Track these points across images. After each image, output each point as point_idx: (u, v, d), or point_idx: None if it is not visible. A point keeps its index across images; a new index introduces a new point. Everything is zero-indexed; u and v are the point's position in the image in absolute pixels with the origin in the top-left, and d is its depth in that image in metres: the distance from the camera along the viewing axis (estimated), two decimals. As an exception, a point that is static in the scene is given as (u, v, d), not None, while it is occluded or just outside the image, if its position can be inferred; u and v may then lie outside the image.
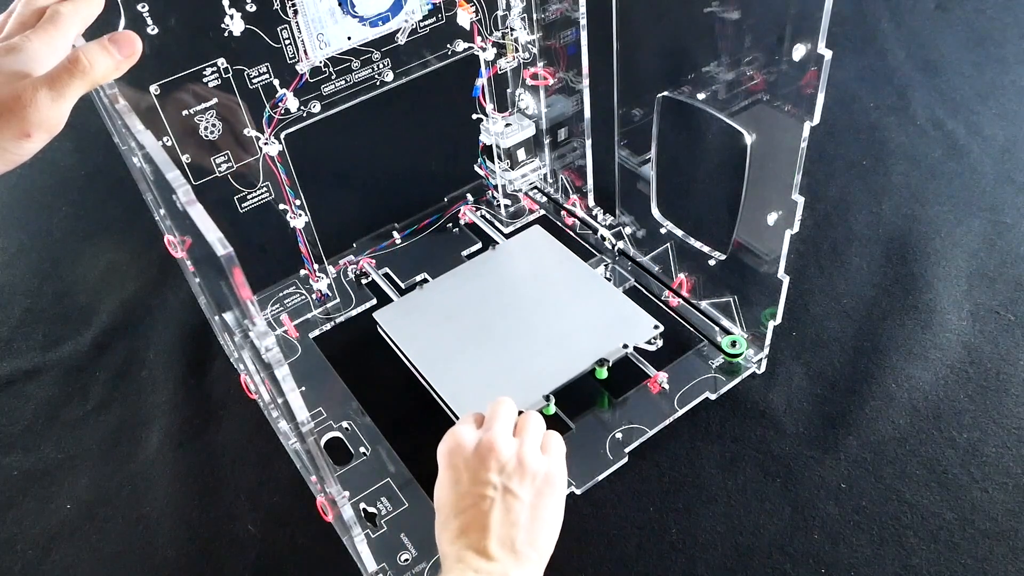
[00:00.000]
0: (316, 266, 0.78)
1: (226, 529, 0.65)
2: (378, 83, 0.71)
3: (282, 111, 0.66)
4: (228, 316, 0.54)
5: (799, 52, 0.54)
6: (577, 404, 0.69)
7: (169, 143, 0.63)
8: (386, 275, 0.84)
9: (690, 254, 0.74)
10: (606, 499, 0.65)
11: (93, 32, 0.45)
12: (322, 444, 0.69)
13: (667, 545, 0.61)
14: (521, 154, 0.85)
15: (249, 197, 0.69)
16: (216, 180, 0.66)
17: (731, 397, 0.70)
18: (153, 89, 0.60)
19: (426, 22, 0.70)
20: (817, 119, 0.54)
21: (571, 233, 0.87)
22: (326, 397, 0.73)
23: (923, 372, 0.71)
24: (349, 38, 0.66)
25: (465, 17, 0.71)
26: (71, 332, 0.84)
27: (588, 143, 0.82)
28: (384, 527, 0.63)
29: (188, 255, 0.57)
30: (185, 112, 0.62)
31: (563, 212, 0.88)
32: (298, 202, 0.72)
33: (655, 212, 0.76)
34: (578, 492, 0.65)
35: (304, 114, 0.68)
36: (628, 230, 0.82)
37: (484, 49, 0.76)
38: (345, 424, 0.71)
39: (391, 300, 0.81)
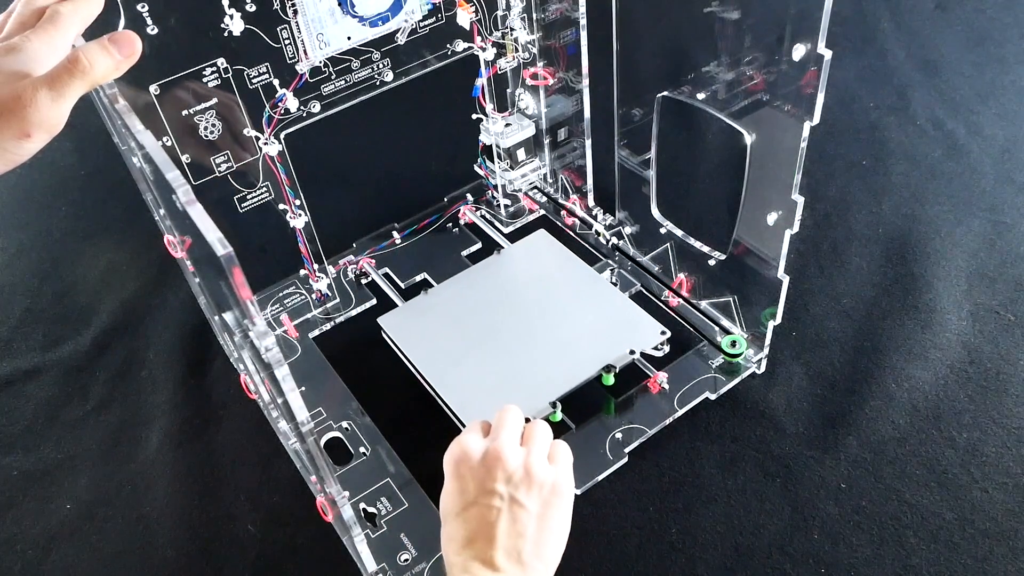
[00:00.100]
0: (316, 266, 0.78)
1: (226, 529, 0.65)
2: (378, 83, 0.71)
3: (282, 111, 0.66)
4: (228, 316, 0.54)
5: (799, 52, 0.54)
6: (580, 410, 0.69)
7: (169, 143, 0.63)
8: (386, 275, 0.84)
9: (690, 254, 0.74)
10: (606, 499, 0.65)
11: (93, 32, 0.45)
12: (322, 444, 0.69)
13: (667, 545, 0.61)
14: (521, 154, 0.85)
15: (249, 197, 0.69)
16: (216, 180, 0.66)
17: (731, 397, 0.70)
18: (153, 89, 0.60)
19: (426, 22, 0.70)
20: (817, 119, 0.54)
21: (571, 233, 0.87)
22: (326, 397, 0.73)
23: (923, 372, 0.71)
24: (349, 38, 0.66)
25: (465, 17, 0.71)
26: (71, 332, 0.84)
27: (588, 143, 0.82)
28: (384, 527, 0.63)
29: (188, 255, 0.57)
30: (185, 112, 0.62)
31: (563, 212, 0.88)
32: (298, 202, 0.72)
33: (655, 212, 0.76)
34: (578, 492, 0.65)
35: (304, 114, 0.68)
36: (628, 230, 0.82)
37: (484, 49, 0.76)
38: (345, 424, 0.71)
39: (391, 300, 0.81)
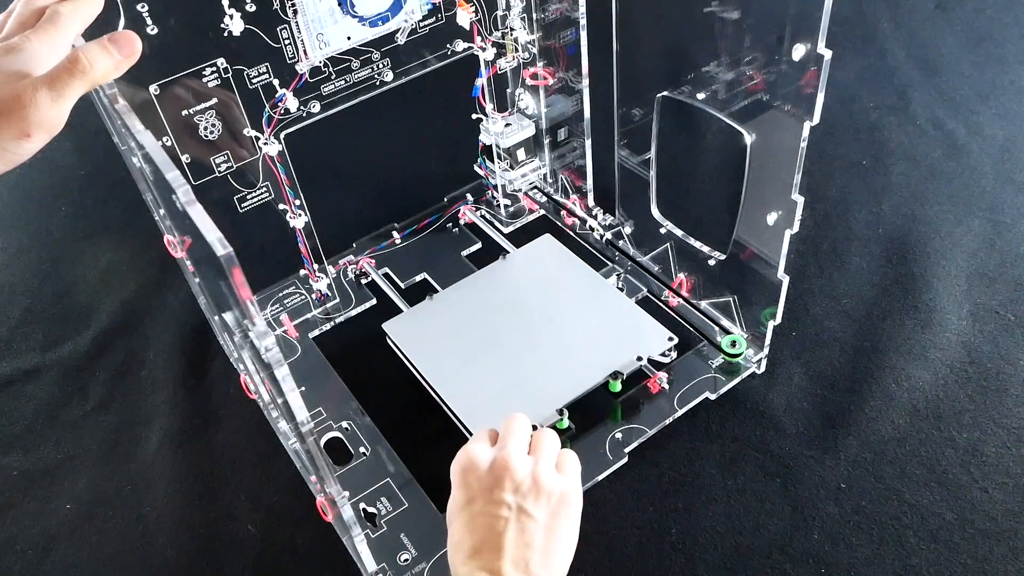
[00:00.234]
0: (316, 266, 0.78)
1: (226, 529, 0.65)
2: (378, 83, 0.71)
3: (282, 111, 0.66)
4: (228, 316, 0.54)
5: (799, 52, 0.54)
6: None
7: (169, 143, 0.63)
8: (386, 275, 0.84)
9: (690, 254, 0.74)
10: (606, 499, 0.65)
11: (93, 32, 0.45)
12: (322, 444, 0.69)
13: (667, 545, 0.61)
14: (521, 154, 0.85)
15: (249, 197, 0.69)
16: (216, 180, 0.66)
17: (731, 397, 0.70)
18: (153, 89, 0.60)
19: (426, 22, 0.70)
20: (817, 119, 0.54)
21: (571, 233, 0.87)
22: (326, 397, 0.73)
23: (923, 372, 0.71)
24: (349, 38, 0.66)
25: (465, 17, 0.71)
26: (71, 332, 0.84)
27: (588, 143, 0.82)
28: (384, 527, 0.63)
29: (188, 255, 0.57)
30: (185, 112, 0.62)
31: (563, 212, 0.88)
32: (298, 202, 0.72)
33: (655, 212, 0.76)
34: (578, 492, 0.65)
35: (304, 114, 0.68)
36: (628, 230, 0.82)
37: (484, 49, 0.76)
38: (345, 424, 0.71)
39: (391, 300, 0.81)
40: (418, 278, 0.83)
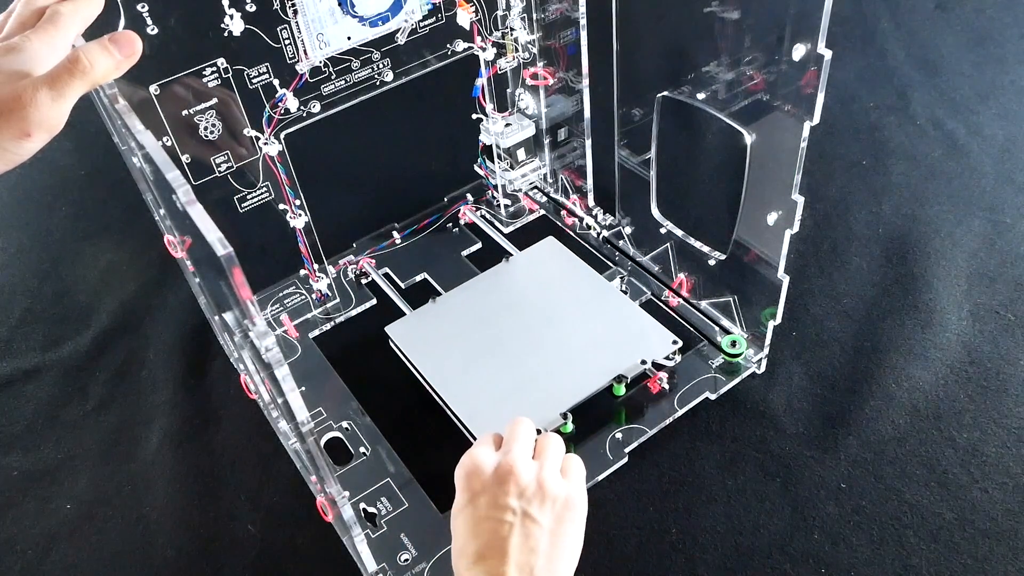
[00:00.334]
0: (316, 266, 0.78)
1: (226, 529, 0.65)
2: (378, 83, 0.71)
3: (282, 111, 0.66)
4: (228, 316, 0.54)
5: (799, 52, 0.54)
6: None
7: (169, 143, 0.63)
8: (386, 275, 0.84)
9: (690, 254, 0.74)
10: (606, 499, 0.65)
11: (93, 32, 0.45)
12: (322, 444, 0.69)
13: (667, 545, 0.61)
14: (521, 154, 0.85)
15: (249, 197, 0.69)
16: (216, 180, 0.66)
17: (731, 397, 0.70)
18: (153, 89, 0.60)
19: (426, 22, 0.70)
20: (817, 119, 0.54)
21: (571, 234, 0.87)
22: (326, 397, 0.73)
23: (923, 372, 0.71)
24: (349, 38, 0.66)
25: (465, 17, 0.71)
26: (71, 332, 0.84)
27: (588, 143, 0.82)
28: (384, 527, 0.63)
29: (188, 255, 0.57)
30: (185, 112, 0.62)
31: (563, 212, 0.88)
32: (298, 202, 0.72)
33: (655, 212, 0.76)
34: (578, 492, 0.65)
35: (304, 114, 0.68)
36: (628, 230, 0.82)
37: (484, 49, 0.76)
38: (345, 424, 0.71)
39: (391, 300, 0.81)
40: (418, 278, 0.83)
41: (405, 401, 0.72)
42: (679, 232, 0.75)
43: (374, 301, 0.82)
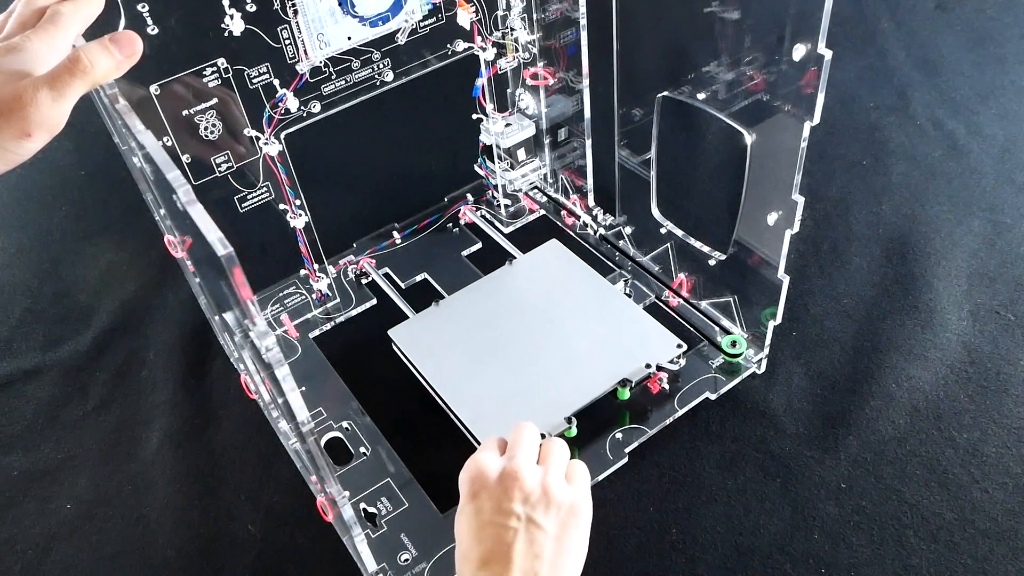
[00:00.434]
0: (316, 266, 0.78)
1: (226, 529, 0.65)
2: (378, 83, 0.71)
3: (282, 111, 0.66)
4: (228, 316, 0.54)
5: (799, 52, 0.54)
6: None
7: (169, 143, 0.63)
8: (386, 275, 0.84)
9: (690, 254, 0.74)
10: (606, 499, 0.64)
11: (93, 32, 0.45)
12: (322, 444, 0.69)
13: (667, 545, 0.61)
14: (521, 154, 0.85)
15: (249, 197, 0.69)
16: (216, 180, 0.66)
17: (731, 397, 0.70)
18: (153, 89, 0.60)
19: (426, 22, 0.70)
20: (817, 119, 0.54)
21: (571, 234, 0.87)
22: (326, 397, 0.73)
23: (923, 372, 0.71)
24: (349, 38, 0.67)
25: (465, 17, 0.71)
26: (71, 332, 0.84)
27: (588, 143, 0.82)
28: (384, 527, 0.63)
29: (188, 255, 0.57)
30: (185, 112, 0.62)
31: (563, 212, 0.88)
32: (298, 202, 0.72)
33: (655, 212, 0.76)
34: (578, 492, 0.65)
35: (304, 114, 0.68)
36: (628, 230, 0.82)
37: (484, 49, 0.76)
38: (345, 424, 0.71)
39: (391, 300, 0.81)
40: (418, 278, 0.83)
41: (405, 401, 0.72)
42: (679, 232, 0.75)
43: (374, 301, 0.82)
